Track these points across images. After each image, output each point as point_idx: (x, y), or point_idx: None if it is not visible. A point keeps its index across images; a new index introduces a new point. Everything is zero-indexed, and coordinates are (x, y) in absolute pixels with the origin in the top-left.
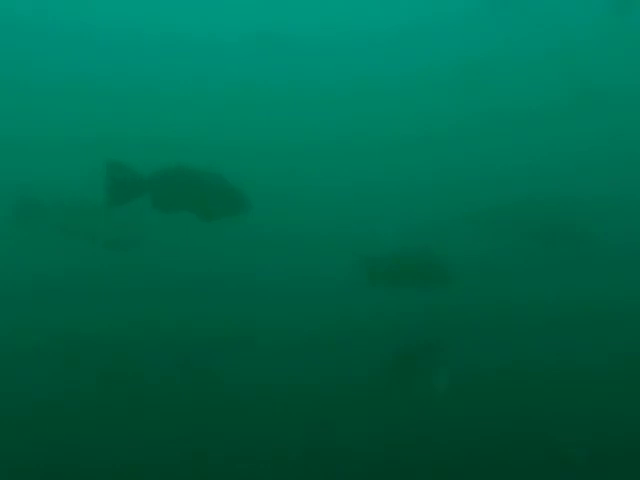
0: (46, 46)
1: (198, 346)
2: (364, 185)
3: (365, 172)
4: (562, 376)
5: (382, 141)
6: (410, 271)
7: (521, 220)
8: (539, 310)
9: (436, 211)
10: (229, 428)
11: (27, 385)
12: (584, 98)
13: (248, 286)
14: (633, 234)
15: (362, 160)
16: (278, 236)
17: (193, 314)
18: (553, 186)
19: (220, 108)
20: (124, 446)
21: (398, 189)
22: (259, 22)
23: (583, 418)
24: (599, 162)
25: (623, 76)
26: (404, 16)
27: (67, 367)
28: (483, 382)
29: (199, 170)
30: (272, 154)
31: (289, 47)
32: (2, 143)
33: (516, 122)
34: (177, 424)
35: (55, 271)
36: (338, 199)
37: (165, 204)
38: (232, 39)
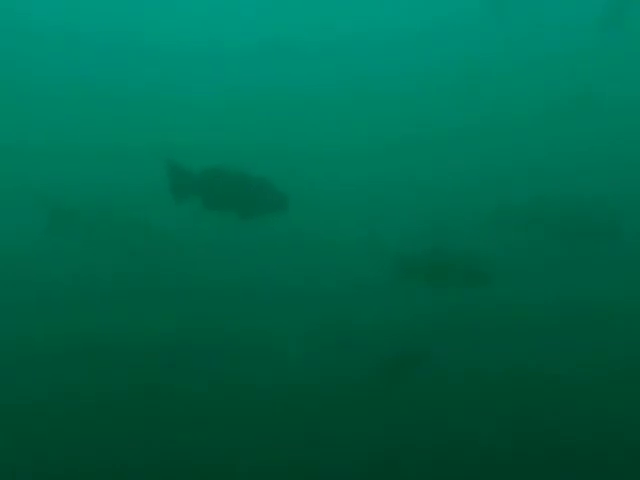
0: (76, 56)
1: (203, 348)
2: (382, 186)
3: (380, 175)
4: (580, 376)
5: (400, 144)
6: (434, 272)
7: (541, 218)
8: (565, 309)
9: (456, 210)
10: (238, 430)
11: (53, 384)
12: (591, 99)
13: (265, 290)
14: None
15: (375, 163)
16: (291, 239)
17: (208, 317)
18: (573, 184)
19: (246, 114)
20: (132, 447)
21: (415, 190)
22: (275, 30)
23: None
24: (619, 160)
25: (621, 79)
26: (409, 20)
27: (88, 369)
28: (501, 382)
29: (234, 173)
30: (301, 158)
31: (309, 54)
32: (38, 152)
33: (530, 122)
34: (192, 429)
35: (85, 276)
36: (355, 201)
37: (213, 204)
38: (255, 48)
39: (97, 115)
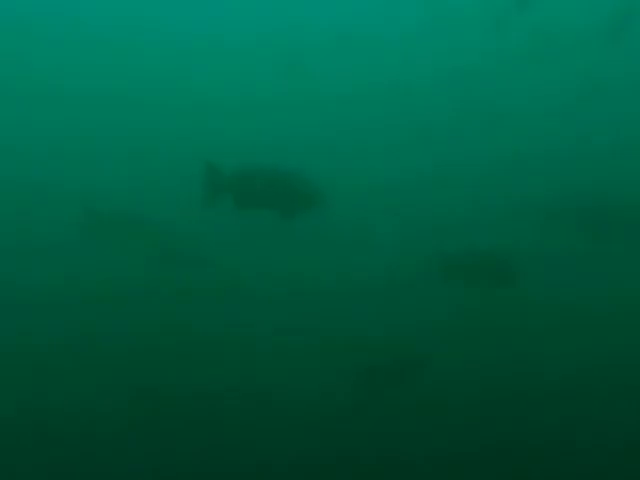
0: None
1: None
2: (398, 183)
3: (401, 170)
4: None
5: (426, 139)
6: (463, 271)
7: (563, 213)
8: (591, 308)
9: (478, 207)
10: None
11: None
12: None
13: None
14: None
15: (393, 158)
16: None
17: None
18: (594, 177)
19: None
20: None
21: (430, 188)
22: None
23: None
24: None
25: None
26: (426, 13)
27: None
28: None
29: (267, 171)
30: (337, 152)
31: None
32: (69, 155)
33: (551, 114)
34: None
35: (115, 281)
36: (380, 199)
37: (246, 203)
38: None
39: (129, 118)
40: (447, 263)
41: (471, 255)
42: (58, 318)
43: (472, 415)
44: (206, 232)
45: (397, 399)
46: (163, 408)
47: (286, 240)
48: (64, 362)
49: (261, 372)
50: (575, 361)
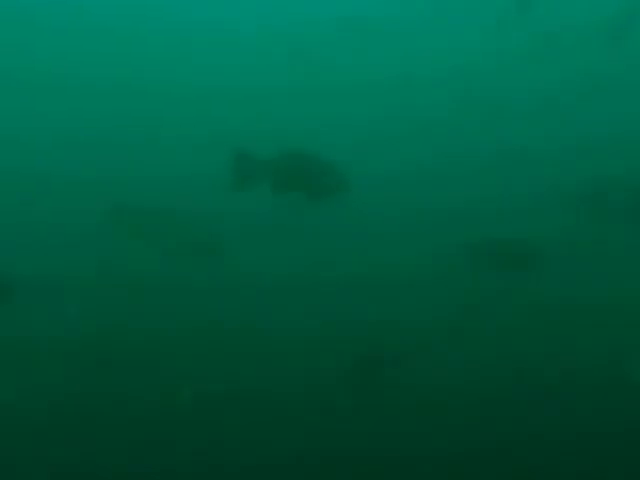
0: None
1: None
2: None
3: (417, 161)
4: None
5: (451, 128)
6: (489, 259)
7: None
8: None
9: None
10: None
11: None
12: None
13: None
14: None
15: (418, 148)
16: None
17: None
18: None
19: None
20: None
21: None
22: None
23: None
24: None
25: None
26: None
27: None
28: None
29: (300, 155)
30: (365, 140)
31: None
32: (94, 147)
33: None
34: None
35: (140, 273)
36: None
37: (281, 188)
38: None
39: (155, 109)
40: (464, 254)
41: (489, 245)
42: (85, 309)
43: (472, 415)
44: (232, 221)
45: (396, 399)
46: (163, 407)
47: (301, 232)
48: (70, 360)
49: (261, 371)
50: (596, 356)
